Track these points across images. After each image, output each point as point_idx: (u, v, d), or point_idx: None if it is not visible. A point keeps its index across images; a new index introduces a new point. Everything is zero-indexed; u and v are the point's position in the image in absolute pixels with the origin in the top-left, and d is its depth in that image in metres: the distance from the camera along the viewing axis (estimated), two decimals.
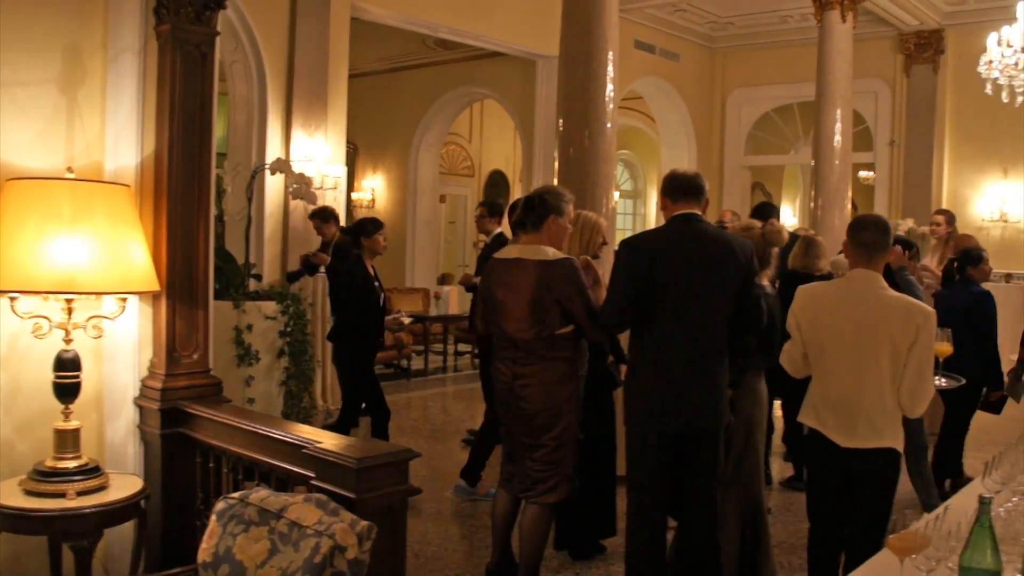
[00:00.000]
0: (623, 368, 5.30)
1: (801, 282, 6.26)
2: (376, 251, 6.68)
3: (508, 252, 4.63)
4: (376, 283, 6.67)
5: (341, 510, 2.81)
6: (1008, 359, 6.55)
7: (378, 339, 6.90)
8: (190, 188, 3.96)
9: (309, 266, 8.87)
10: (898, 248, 5.48)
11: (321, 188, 9.45)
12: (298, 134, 9.51)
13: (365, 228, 6.70)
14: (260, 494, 2.96)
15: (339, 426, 6.79)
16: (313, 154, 9.54)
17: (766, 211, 7.75)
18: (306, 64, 9.56)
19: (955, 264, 6.49)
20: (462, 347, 13.44)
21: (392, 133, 15.49)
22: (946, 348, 4.56)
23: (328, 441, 3.34)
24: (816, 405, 3.93)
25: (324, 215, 8.95)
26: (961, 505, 2.49)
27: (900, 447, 3.85)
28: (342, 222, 9.51)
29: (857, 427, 3.77)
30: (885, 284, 3.88)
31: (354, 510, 2.89)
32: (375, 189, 15.84)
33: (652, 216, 19.16)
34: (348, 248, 8.65)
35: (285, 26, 9.48)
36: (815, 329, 3.90)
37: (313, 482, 3.22)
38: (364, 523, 2.75)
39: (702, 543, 4.23)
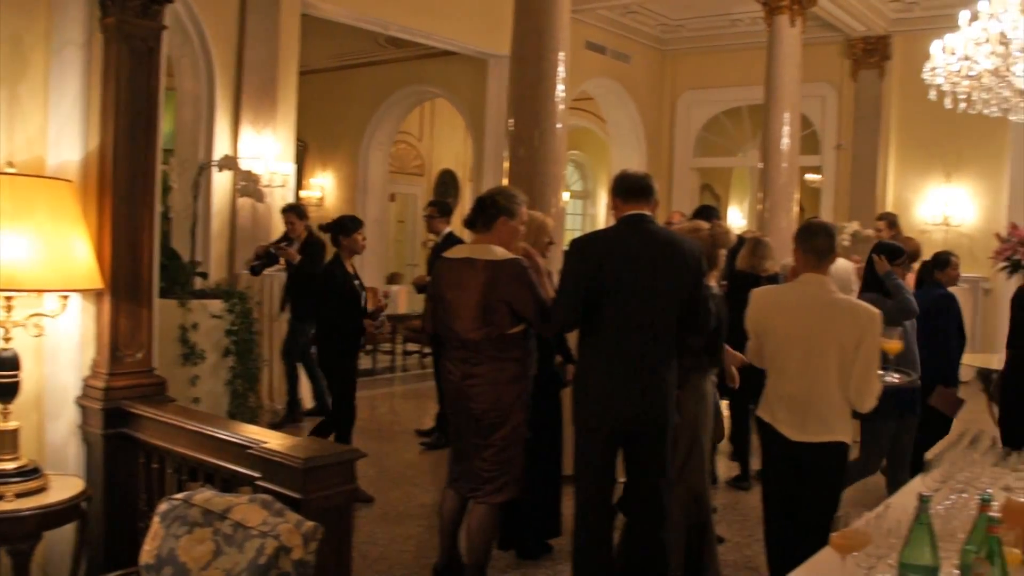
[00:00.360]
0: (570, 368, 5.33)
1: (748, 283, 6.35)
2: (355, 250, 6.59)
3: (457, 252, 4.63)
4: (356, 282, 6.60)
5: (287, 511, 2.78)
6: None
7: (361, 340, 6.83)
8: (135, 184, 3.91)
9: (270, 257, 8.76)
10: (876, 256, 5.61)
11: (270, 186, 9.38)
12: (247, 131, 9.43)
13: (344, 226, 6.60)
14: (204, 495, 2.93)
15: (328, 430, 6.69)
16: (262, 151, 9.46)
17: (708, 213, 7.81)
18: (255, 60, 9.47)
19: (924, 267, 6.62)
20: (411, 347, 13.38)
21: (342, 131, 15.40)
22: (896, 345, 4.71)
23: (274, 441, 3.31)
24: (770, 401, 4.15)
25: (300, 211, 8.91)
26: (901, 503, 2.53)
27: (848, 440, 4.04)
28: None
29: (807, 422, 3.98)
30: (834, 287, 4.07)
31: (300, 511, 2.86)
32: (324, 187, 15.74)
33: (602, 216, 19.22)
34: (319, 247, 8.62)
35: (234, 22, 9.39)
36: (769, 330, 4.11)
37: (258, 482, 3.19)
38: (310, 524, 2.73)
39: (649, 541, 4.25)
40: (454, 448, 4.73)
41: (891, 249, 5.66)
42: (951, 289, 6.45)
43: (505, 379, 4.40)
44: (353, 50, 14.44)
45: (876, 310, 4.00)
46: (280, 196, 9.68)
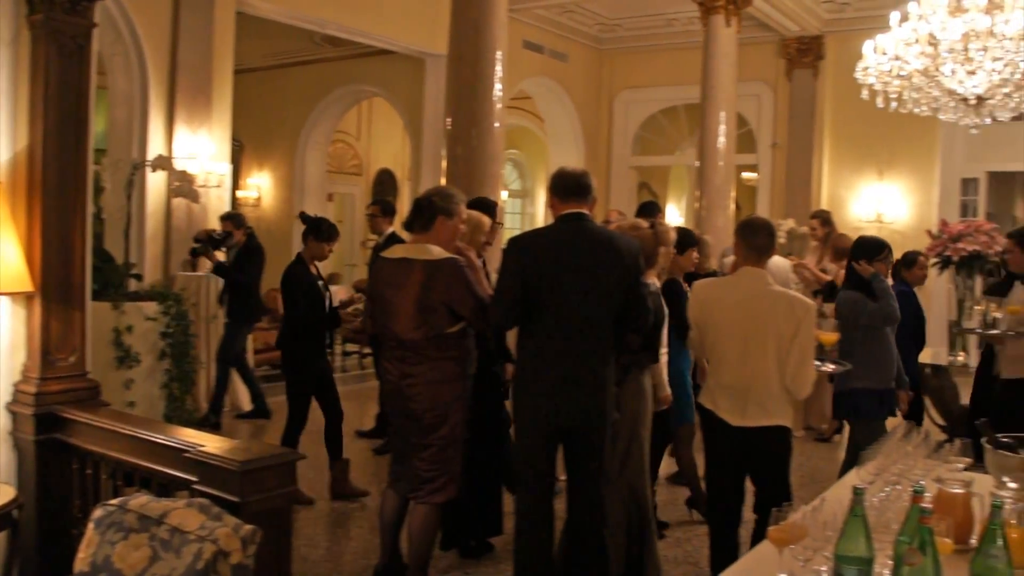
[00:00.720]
0: (509, 367, 5.34)
1: (686, 281, 6.39)
2: (318, 255, 6.53)
3: (394, 252, 4.62)
4: (320, 282, 6.52)
5: (224, 514, 2.75)
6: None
7: (327, 342, 6.75)
8: (65, 185, 3.84)
9: (213, 241, 8.62)
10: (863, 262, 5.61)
11: (205, 186, 9.27)
12: (181, 130, 9.30)
13: (319, 230, 6.54)
14: (140, 500, 2.88)
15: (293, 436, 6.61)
16: (197, 151, 9.34)
17: (650, 209, 7.86)
18: (190, 59, 9.35)
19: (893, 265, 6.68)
20: (350, 347, 13.29)
21: (279, 130, 15.24)
22: (831, 337, 4.85)
23: (211, 444, 3.28)
24: (711, 389, 4.32)
25: (237, 220, 8.81)
26: (837, 496, 2.57)
27: (789, 424, 4.26)
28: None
29: (747, 408, 4.16)
30: (771, 280, 4.24)
31: (238, 514, 2.83)
32: (261, 187, 15.57)
33: (540, 215, 19.25)
34: (257, 254, 8.53)
35: (167, 19, 9.25)
36: (710, 321, 4.24)
37: (196, 486, 3.15)
38: (248, 527, 2.70)
39: (589, 539, 4.27)
40: (393, 448, 4.71)
41: (872, 245, 5.63)
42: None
43: (443, 379, 4.40)
44: (289, 49, 14.30)
45: (811, 302, 4.21)
46: (216, 196, 9.57)
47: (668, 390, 5.29)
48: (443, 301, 4.31)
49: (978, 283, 6.94)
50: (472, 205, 6.26)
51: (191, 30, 9.35)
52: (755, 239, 4.26)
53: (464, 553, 5.36)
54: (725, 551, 4.28)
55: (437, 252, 4.38)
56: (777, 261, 7.30)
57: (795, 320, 4.07)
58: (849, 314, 5.36)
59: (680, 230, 6.10)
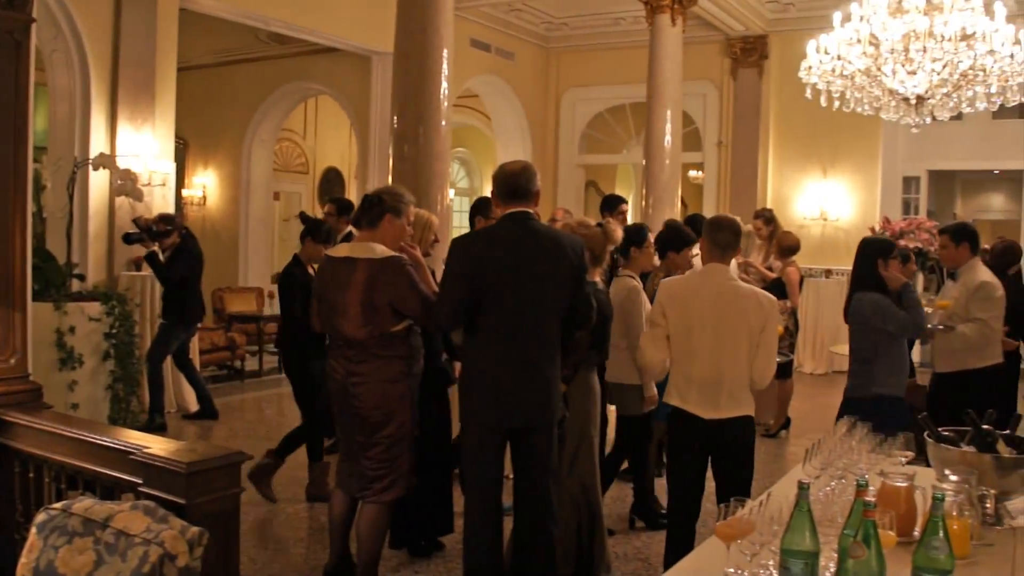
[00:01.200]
0: (457, 365, 5.33)
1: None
2: (317, 257, 6.43)
3: (339, 250, 4.61)
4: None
5: (171, 517, 2.72)
6: (829, 351, 6.85)
7: (326, 343, 6.68)
8: (4, 183, 3.76)
9: (151, 233, 8.48)
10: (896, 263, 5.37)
11: (149, 184, 9.14)
12: (124, 128, 9.16)
13: (319, 232, 6.53)
14: (84, 503, 2.84)
15: (299, 440, 6.54)
16: (140, 149, 9.21)
17: (613, 203, 7.91)
18: (132, 55, 9.22)
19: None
20: None
21: (224, 129, 15.07)
22: (780, 329, 4.89)
23: (156, 446, 3.23)
24: (679, 386, 4.31)
25: (168, 220, 8.68)
26: (783, 491, 2.60)
27: (753, 414, 4.33)
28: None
29: (720, 400, 4.21)
30: (734, 276, 4.35)
31: (185, 516, 2.80)
32: (206, 186, 15.39)
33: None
34: (189, 257, 8.43)
35: (109, 15, 9.12)
36: (682, 316, 4.25)
37: (141, 489, 3.10)
38: (195, 529, 2.67)
39: (539, 537, 4.28)
40: (341, 448, 4.69)
41: (886, 245, 5.44)
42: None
43: (389, 377, 4.39)
44: (234, 46, 14.15)
45: (774, 297, 4.32)
46: (160, 195, 9.45)
47: (654, 390, 5.32)
48: (387, 300, 4.30)
49: (920, 279, 7.06)
50: (605, 203, 6.15)
51: (133, 26, 9.22)
52: (719, 235, 4.33)
53: (414, 552, 5.35)
54: (683, 543, 4.32)
55: (381, 251, 4.37)
56: None
57: (763, 314, 4.21)
58: (873, 317, 5.16)
59: (674, 228, 6.24)
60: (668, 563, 4.31)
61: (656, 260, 6.14)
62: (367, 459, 4.46)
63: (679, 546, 4.29)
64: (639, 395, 5.61)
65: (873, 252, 5.30)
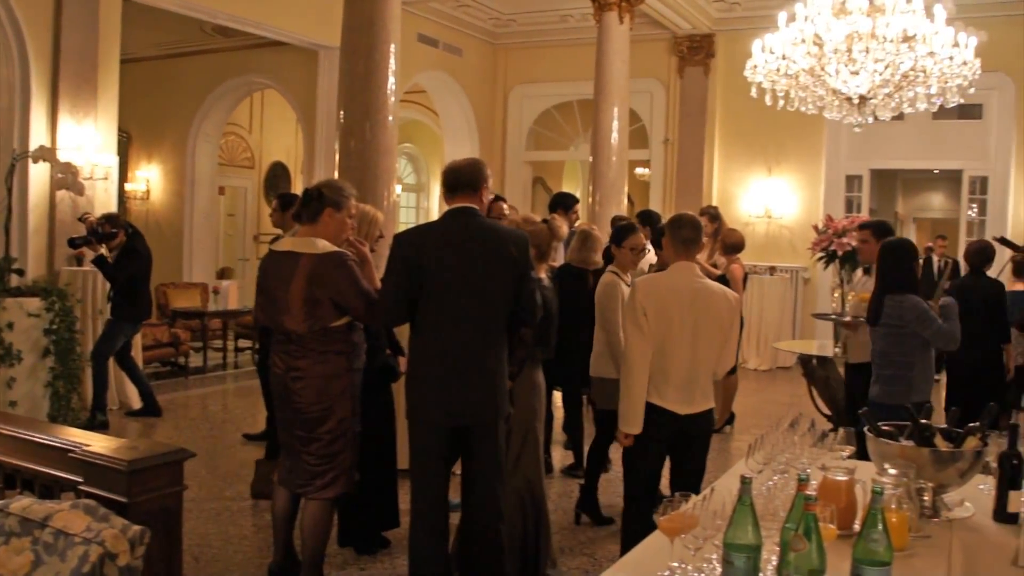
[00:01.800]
0: (402, 360, 5.32)
1: (576, 275, 6.46)
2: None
3: (281, 244, 4.57)
4: None
5: (112, 515, 2.68)
6: (773, 347, 6.95)
7: None
8: None
9: (97, 235, 8.34)
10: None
11: (91, 178, 9.00)
12: (65, 120, 9.01)
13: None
14: (22, 503, 2.79)
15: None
16: (82, 142, 9.06)
17: (566, 201, 7.99)
18: (74, 46, 9.06)
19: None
20: (242, 343, 13.09)
21: (168, 122, 14.89)
22: None
23: (97, 443, 3.18)
24: (657, 384, 4.36)
25: (113, 220, 8.53)
26: (726, 486, 2.62)
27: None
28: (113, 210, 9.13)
29: (694, 396, 4.37)
30: (701, 274, 4.43)
31: (126, 515, 2.76)
32: (150, 180, 15.19)
33: (435, 209, 19.22)
34: (135, 257, 8.30)
35: (49, 5, 8.96)
36: (661, 315, 4.31)
37: (81, 487, 3.05)
38: (136, 528, 2.64)
39: (485, 533, 4.28)
40: (282, 444, 4.65)
41: (912, 246, 5.36)
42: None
43: (329, 372, 4.37)
44: (179, 38, 13.97)
45: (737, 295, 4.52)
46: (102, 189, 9.30)
47: None
48: (328, 295, 4.28)
49: (858, 275, 7.17)
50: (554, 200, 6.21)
51: (75, 17, 9.06)
52: (681, 232, 4.41)
53: (360, 549, 5.33)
54: (643, 531, 4.35)
55: (322, 245, 4.35)
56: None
57: (732, 312, 4.41)
58: (914, 322, 4.99)
59: (612, 223, 6.37)
60: (627, 548, 4.37)
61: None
62: (308, 455, 4.43)
63: (635, 536, 4.33)
64: (618, 389, 5.66)
65: (909, 254, 5.20)
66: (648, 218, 8.02)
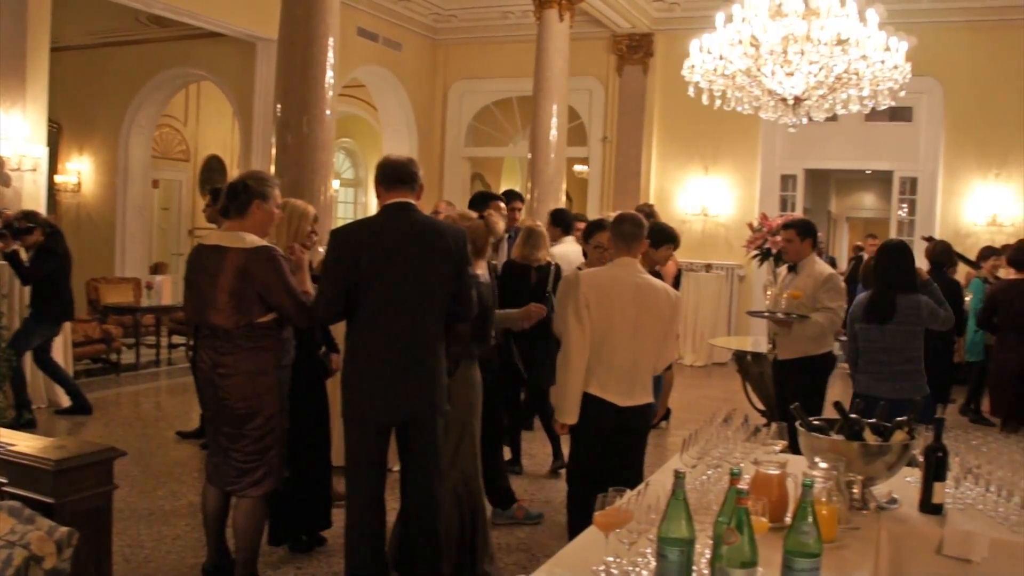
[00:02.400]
0: (335, 357, 5.28)
1: (519, 272, 6.47)
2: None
3: (209, 238, 4.51)
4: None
5: (37, 517, 2.63)
6: (708, 344, 7.03)
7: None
8: None
9: (13, 230, 8.14)
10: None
11: (18, 169, 8.81)
12: None
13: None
14: None
15: None
16: (9, 132, 8.87)
17: (511, 196, 7.98)
18: (1, 33, 8.84)
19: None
20: (176, 339, 12.88)
21: (100, 113, 14.62)
22: None
23: (22, 443, 3.12)
24: (599, 375, 4.46)
25: (31, 218, 8.30)
26: (660, 481, 2.64)
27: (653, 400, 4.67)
28: (41, 207, 8.92)
29: (634, 389, 4.48)
30: (643, 269, 4.56)
31: (53, 516, 2.71)
32: (81, 172, 14.91)
33: (373, 205, 19.01)
34: (51, 256, 8.11)
35: None
36: (603, 308, 4.42)
37: (6, 488, 2.99)
38: (64, 529, 2.59)
39: (423, 530, 4.27)
40: (209, 441, 4.60)
41: (911, 250, 5.76)
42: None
43: (257, 369, 4.32)
44: (112, 27, 13.72)
45: (678, 292, 4.72)
46: (31, 181, 9.12)
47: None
48: (255, 290, 4.24)
49: (783, 273, 7.28)
50: (475, 200, 6.25)
51: (2, 3, 8.86)
52: (622, 227, 4.55)
53: (295, 547, 5.28)
54: (585, 525, 4.41)
55: (251, 240, 4.30)
56: (572, 247, 7.47)
57: (673, 306, 4.55)
58: (927, 318, 5.48)
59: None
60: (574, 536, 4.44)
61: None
62: (236, 452, 4.38)
63: (581, 525, 4.41)
64: None
65: (909, 255, 5.64)
66: (561, 218, 8.01)
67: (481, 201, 6.68)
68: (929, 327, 5.51)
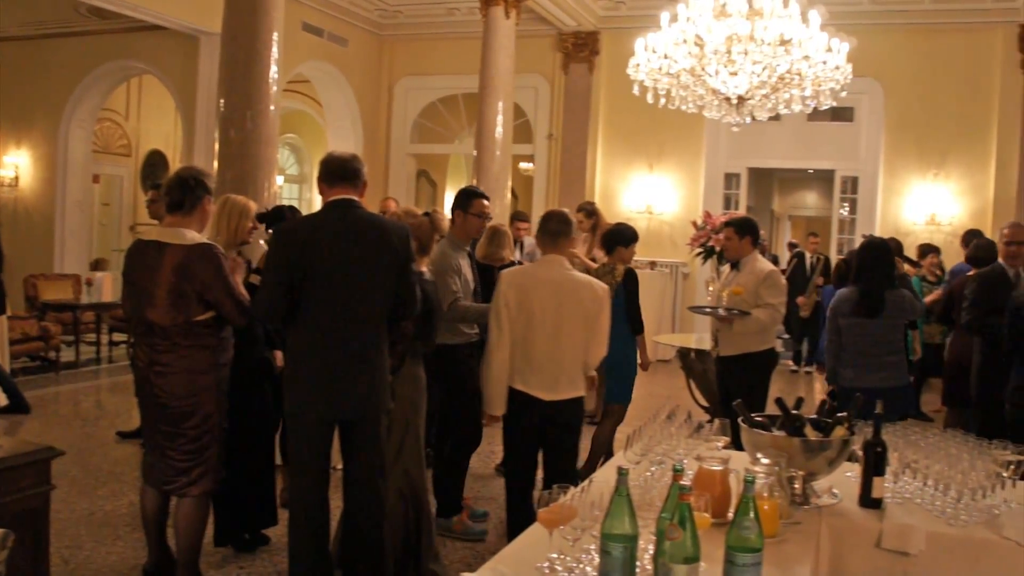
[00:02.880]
0: (278, 354, 5.23)
1: (483, 272, 6.47)
2: None
3: (148, 233, 4.46)
4: None
5: None
6: (652, 340, 7.08)
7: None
8: None
9: None
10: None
11: None
12: None
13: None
14: None
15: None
16: None
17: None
18: None
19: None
20: (117, 336, 12.68)
21: (39, 106, 14.34)
22: None
23: None
24: (521, 370, 4.59)
25: None
26: (604, 478, 2.65)
27: (584, 394, 4.74)
28: None
29: (559, 383, 4.57)
30: (570, 266, 4.63)
31: None
32: (19, 166, 14.63)
33: (318, 201, 18.86)
34: None
35: None
36: (523, 305, 4.54)
37: None
38: None
39: (367, 529, 4.25)
40: (146, 439, 4.53)
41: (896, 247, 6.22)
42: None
43: (194, 367, 4.29)
44: (51, 18, 13.49)
45: (606, 286, 4.68)
46: None
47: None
48: (194, 287, 4.20)
49: (725, 271, 7.36)
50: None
51: None
52: (547, 224, 4.66)
53: (239, 547, 5.23)
54: (523, 514, 4.45)
55: (192, 236, 4.27)
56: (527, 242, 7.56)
57: (598, 302, 4.56)
58: (911, 311, 5.91)
59: (624, 227, 6.86)
60: (512, 531, 4.53)
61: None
62: (173, 451, 4.34)
63: (518, 516, 4.60)
64: None
65: (890, 253, 6.00)
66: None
67: (469, 196, 6.62)
68: (910, 319, 5.99)
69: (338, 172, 4.15)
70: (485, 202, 5.88)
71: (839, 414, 3.22)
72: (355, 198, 4.14)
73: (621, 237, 6.74)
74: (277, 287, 4.03)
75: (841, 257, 11.33)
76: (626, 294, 6.43)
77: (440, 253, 5.55)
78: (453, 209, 5.97)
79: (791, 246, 14.20)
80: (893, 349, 5.79)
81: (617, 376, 6.57)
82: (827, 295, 7.86)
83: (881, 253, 5.89)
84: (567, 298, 4.52)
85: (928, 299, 8.12)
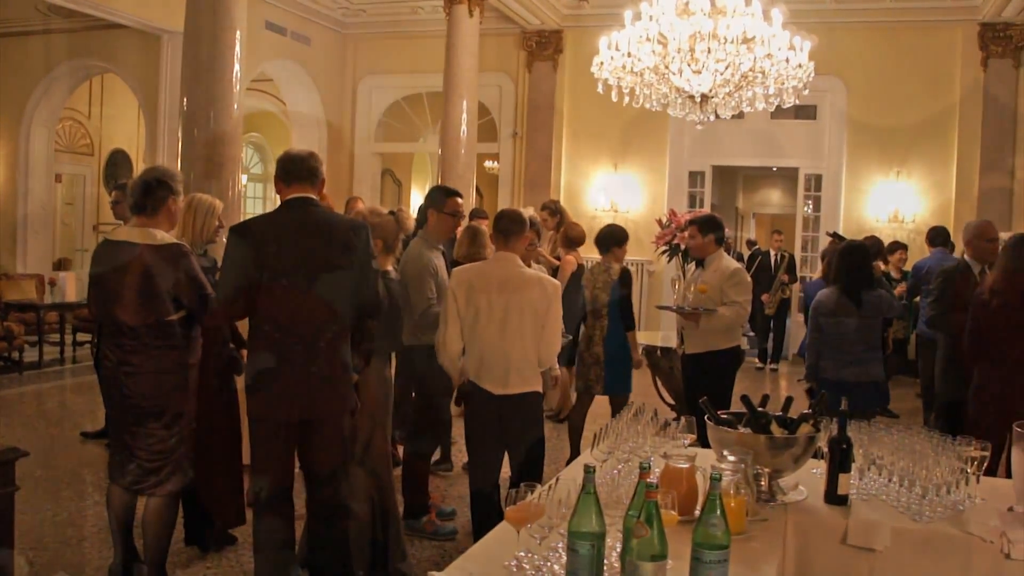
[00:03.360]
0: (244, 353, 5.20)
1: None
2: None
3: (117, 233, 4.43)
4: None
5: None
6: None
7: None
8: None
9: None
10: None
11: None
12: None
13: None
14: None
15: None
16: None
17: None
18: None
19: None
20: (81, 337, 12.55)
21: (0, 105, 14.18)
22: None
23: None
24: (474, 365, 4.69)
25: None
26: (572, 476, 2.66)
27: (541, 390, 4.78)
28: None
29: (508, 378, 4.61)
30: (521, 263, 4.68)
31: None
32: None
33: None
34: None
35: None
36: (471, 301, 4.61)
37: None
38: None
39: (332, 528, 4.24)
40: (113, 439, 4.50)
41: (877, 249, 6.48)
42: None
43: (163, 367, 4.27)
44: (12, 16, 13.34)
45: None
46: None
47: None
48: (165, 287, 4.19)
49: (691, 269, 7.41)
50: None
51: None
52: (499, 223, 4.72)
53: (206, 546, 5.20)
54: (488, 511, 4.47)
55: (161, 236, 4.26)
56: None
57: (547, 298, 4.61)
58: (887, 309, 6.15)
59: (616, 227, 7.03)
60: (477, 529, 4.68)
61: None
62: (141, 451, 4.32)
63: (484, 513, 4.65)
64: None
65: (868, 255, 6.29)
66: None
67: (443, 195, 6.59)
68: (887, 316, 6.24)
69: (295, 170, 4.12)
70: (459, 200, 5.87)
71: (760, 410, 3.28)
72: (313, 196, 4.11)
73: (616, 237, 6.94)
74: (234, 286, 4.00)
75: (815, 254, 11.46)
76: (621, 291, 6.57)
77: (416, 254, 5.54)
78: (426, 208, 5.94)
79: (750, 244, 14.30)
80: (869, 346, 5.99)
81: (616, 369, 6.82)
82: (811, 288, 8.01)
83: (860, 256, 6.12)
84: (515, 295, 4.58)
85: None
